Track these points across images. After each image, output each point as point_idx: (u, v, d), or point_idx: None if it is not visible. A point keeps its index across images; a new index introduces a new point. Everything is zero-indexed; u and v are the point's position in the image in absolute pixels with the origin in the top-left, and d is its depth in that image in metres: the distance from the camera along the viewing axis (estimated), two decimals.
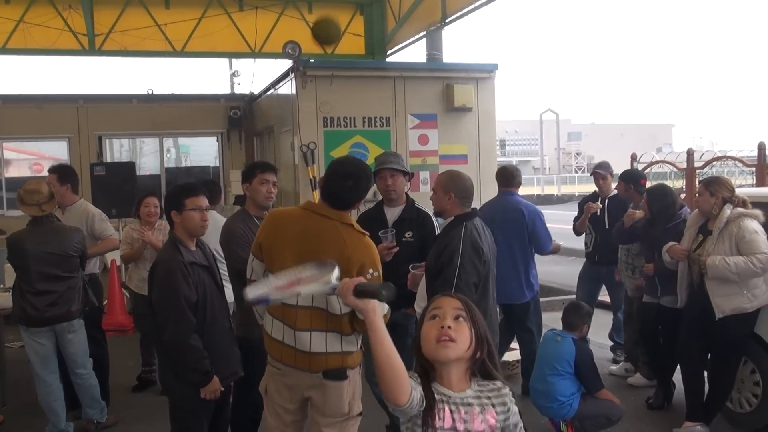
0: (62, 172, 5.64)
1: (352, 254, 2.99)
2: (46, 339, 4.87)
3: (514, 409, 2.11)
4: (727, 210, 4.51)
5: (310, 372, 3.06)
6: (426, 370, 2.06)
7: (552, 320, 8.68)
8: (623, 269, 6.04)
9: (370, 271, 3.00)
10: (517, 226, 5.48)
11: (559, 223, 20.71)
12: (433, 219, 4.57)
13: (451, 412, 2.00)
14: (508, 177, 5.68)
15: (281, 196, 9.37)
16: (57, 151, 11.99)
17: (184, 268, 3.47)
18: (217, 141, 11.54)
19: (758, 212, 4.48)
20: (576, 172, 55.73)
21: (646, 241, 5.39)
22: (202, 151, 18.05)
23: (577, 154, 63.53)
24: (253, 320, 4.06)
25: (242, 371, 3.81)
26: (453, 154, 8.84)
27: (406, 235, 4.45)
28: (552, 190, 38.38)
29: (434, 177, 8.66)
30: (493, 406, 2.07)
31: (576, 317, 4.87)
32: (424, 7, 11.79)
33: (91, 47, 12.16)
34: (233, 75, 23.47)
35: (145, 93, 11.26)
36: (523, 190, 6.02)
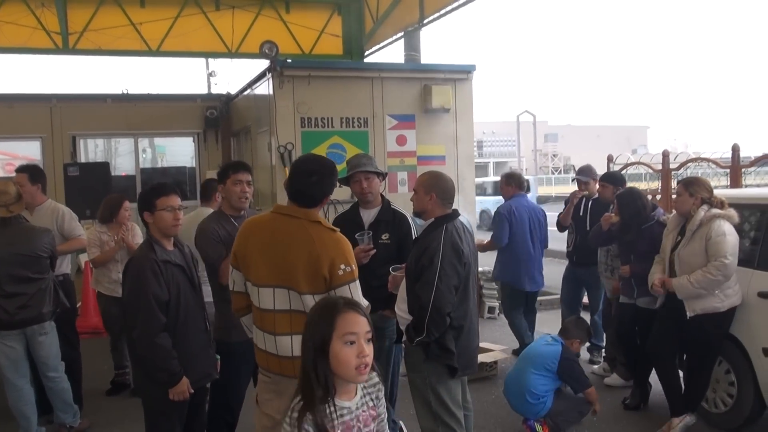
0: (33, 172, 5.53)
1: (321, 251, 2.94)
2: (16, 342, 4.77)
3: (381, 394, 2.33)
4: (701, 211, 4.54)
5: (296, 377, 3.01)
6: (321, 388, 2.13)
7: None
8: (602, 270, 6.07)
9: (342, 266, 2.94)
10: (541, 225, 6.77)
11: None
12: (410, 220, 4.55)
13: (350, 421, 2.17)
14: (522, 182, 6.93)
15: (258, 197, 9.30)
16: (30, 151, 11.80)
17: (156, 266, 3.42)
18: (194, 141, 11.42)
19: (733, 213, 4.51)
20: (552, 173, 56.13)
21: (622, 244, 5.42)
22: (178, 151, 17.89)
23: (554, 155, 63.97)
24: (231, 323, 4.03)
25: (217, 374, 3.76)
26: (431, 155, 8.83)
27: (383, 237, 4.42)
28: None
29: (413, 178, 8.71)
30: (373, 400, 2.28)
31: (574, 327, 5.05)
32: (402, 8, 11.79)
33: (65, 46, 11.98)
34: (210, 75, 23.31)
35: (120, 93, 11.09)
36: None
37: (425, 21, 11.12)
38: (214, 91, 16.84)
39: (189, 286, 3.61)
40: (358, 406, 2.21)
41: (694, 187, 4.63)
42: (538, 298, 9.59)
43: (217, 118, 11.13)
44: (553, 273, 11.84)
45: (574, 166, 64.01)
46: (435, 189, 3.82)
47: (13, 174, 5.83)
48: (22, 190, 5.11)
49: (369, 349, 2.13)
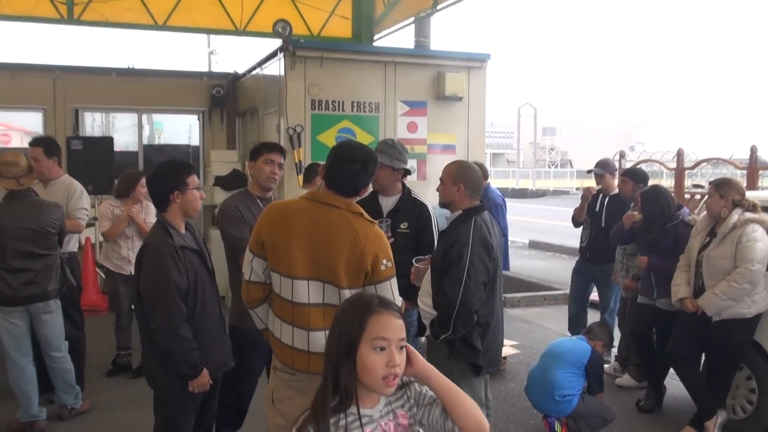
0: (48, 145, 5.34)
1: (366, 245, 2.81)
2: (20, 319, 4.64)
3: (415, 388, 2.06)
4: (735, 215, 4.43)
5: None
6: (339, 395, 1.92)
7: (532, 315, 8.68)
8: (618, 269, 5.95)
9: (384, 262, 2.83)
10: (499, 212, 6.82)
11: (536, 216, 20.86)
12: (431, 210, 4.42)
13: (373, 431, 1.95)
14: (485, 170, 6.49)
15: None
16: (28, 122, 11.59)
17: (175, 253, 3.26)
18: (198, 120, 11.22)
19: (766, 217, 4.39)
20: (549, 166, 56.10)
21: (643, 243, 5.29)
22: (177, 128, 17.66)
23: (551, 149, 63.96)
24: (245, 309, 3.90)
25: (233, 362, 3.62)
26: (441, 144, 8.71)
27: (402, 226, 4.29)
28: (527, 183, 38.46)
29: (422, 166, 8.60)
30: (402, 406, 2.03)
31: (598, 329, 5.06)
32: None
33: (70, 16, 11.73)
34: (211, 53, 23.10)
35: (126, 67, 10.86)
36: (497, 183, 6.32)
37: (439, 7, 10.96)
38: (214, 69, 16.58)
39: (205, 272, 3.46)
40: (382, 414, 1.99)
41: (725, 189, 4.51)
42: (543, 293, 9.58)
43: (224, 97, 10.93)
44: (560, 269, 11.82)
45: (570, 160, 64.14)
46: (463, 180, 3.69)
47: (11, 145, 5.66)
48: (37, 164, 4.98)
49: (401, 358, 1.91)
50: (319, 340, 2.85)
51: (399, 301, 2.97)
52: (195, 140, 11.84)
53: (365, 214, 2.95)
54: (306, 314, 2.86)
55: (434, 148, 8.65)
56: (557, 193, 32.12)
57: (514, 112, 41.71)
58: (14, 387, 4.71)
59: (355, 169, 2.92)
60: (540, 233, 17.00)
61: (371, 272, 2.82)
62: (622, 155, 8.89)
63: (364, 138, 8.32)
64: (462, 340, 3.53)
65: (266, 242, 2.94)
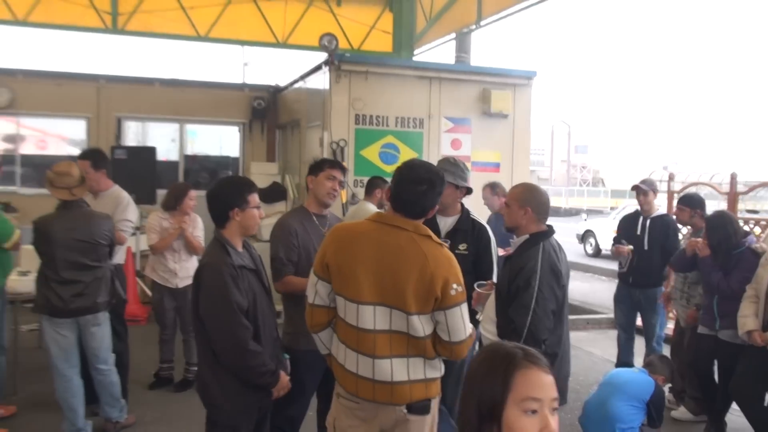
0: (96, 158, 5.29)
1: (435, 269, 2.70)
2: (68, 331, 4.59)
3: None
4: None
5: (393, 404, 2.77)
6: None
7: (575, 340, 8.45)
8: (677, 298, 5.75)
9: (454, 286, 2.73)
10: None
11: (570, 235, 20.54)
12: (490, 232, 4.30)
13: None
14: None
15: (304, 192, 9.10)
16: (73, 130, 11.70)
17: (234, 272, 3.18)
18: (239, 131, 11.24)
19: None
20: (581, 185, 55.53)
21: (707, 271, 5.10)
22: (211, 138, 17.73)
23: (583, 167, 63.35)
24: (301, 329, 3.80)
25: (290, 384, 3.52)
26: (486, 161, 8.59)
27: (460, 247, 4.16)
28: (559, 202, 38.08)
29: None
30: None
31: (659, 363, 4.90)
32: (458, 8, 11.55)
33: (114, 26, 11.89)
34: (245, 65, 23.21)
35: (169, 77, 10.93)
36: None
37: (482, 23, 10.88)
38: (248, 81, 16.67)
39: (262, 291, 3.37)
40: None
41: None
42: (586, 317, 9.37)
43: (264, 109, 10.94)
44: (600, 291, 11.59)
45: (603, 179, 63.53)
46: (530, 203, 3.56)
47: (47, 152, 5.66)
48: (85, 177, 4.94)
49: (555, 423, 1.58)
50: (384, 368, 2.75)
51: (469, 328, 2.86)
52: (232, 151, 11.88)
53: (434, 236, 2.85)
54: (371, 341, 2.77)
55: (478, 166, 8.53)
56: (591, 212, 31.69)
57: (545, 129, 41.50)
58: (60, 399, 4.66)
59: (422, 190, 2.83)
60: (576, 254, 16.75)
61: (441, 297, 2.72)
62: (671, 177, 8.67)
63: (407, 154, 8.24)
64: None
65: (331, 265, 2.85)
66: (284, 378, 3.29)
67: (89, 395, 4.90)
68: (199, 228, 5.82)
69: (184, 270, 5.75)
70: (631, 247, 6.02)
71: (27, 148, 11.35)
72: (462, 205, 4.32)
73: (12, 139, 10.82)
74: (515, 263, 3.47)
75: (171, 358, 6.00)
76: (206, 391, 3.29)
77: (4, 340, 5.01)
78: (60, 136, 17.00)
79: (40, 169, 10.44)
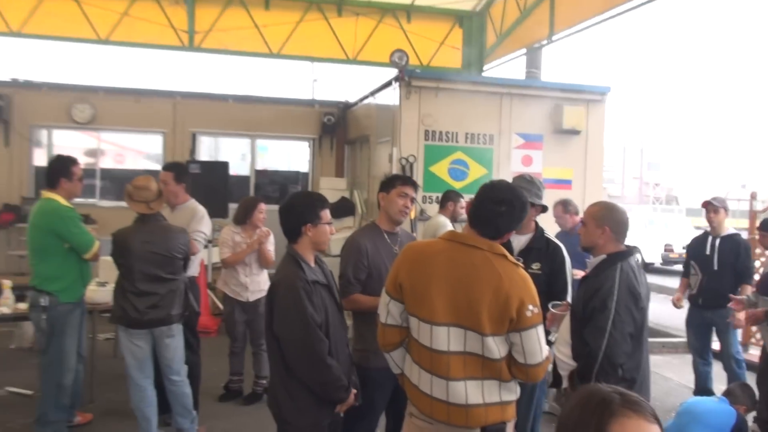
0: (178, 171, 5.46)
1: (510, 289, 2.64)
2: (143, 342, 4.70)
3: None
4: None
5: (468, 428, 2.71)
6: None
7: (651, 364, 8.15)
8: (765, 325, 5.48)
9: (530, 307, 2.67)
10: None
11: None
12: (564, 252, 4.19)
13: None
14: (575, 205, 6.52)
15: (372, 209, 9.12)
16: (149, 144, 12.09)
17: (308, 287, 3.18)
18: (309, 147, 11.38)
19: None
20: (654, 203, 53.96)
21: None
22: (280, 153, 18.01)
23: (656, 184, 61.55)
24: (372, 347, 3.78)
25: (360, 402, 3.49)
26: (557, 178, 8.43)
27: (533, 267, 4.07)
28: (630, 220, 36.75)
29: None
30: None
31: (740, 392, 4.70)
32: (529, 23, 11.43)
33: (191, 44, 12.24)
34: (314, 81, 23.54)
35: (242, 93, 11.18)
36: None
37: (554, 38, 10.73)
38: (316, 97, 16.92)
39: (334, 307, 3.37)
40: None
41: None
42: (661, 340, 9.03)
43: (334, 125, 11.04)
44: (676, 313, 11.17)
45: (676, 197, 61.53)
46: (608, 222, 3.45)
47: (123, 165, 5.81)
48: (165, 189, 5.10)
49: None
50: (459, 390, 2.70)
51: (546, 350, 2.78)
52: (302, 166, 12.03)
53: (509, 256, 2.79)
54: (445, 363, 2.72)
55: (549, 183, 8.36)
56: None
57: (615, 145, 40.56)
58: (135, 408, 4.76)
59: (501, 211, 2.78)
60: (649, 274, 16.23)
61: (516, 318, 2.65)
62: (753, 196, 8.31)
63: (476, 170, 8.18)
64: None
65: (404, 285, 2.82)
66: (352, 395, 3.28)
67: (162, 405, 5.00)
68: (270, 241, 5.89)
69: (255, 284, 5.82)
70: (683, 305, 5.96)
71: (106, 162, 11.79)
72: (536, 223, 4.24)
73: (93, 153, 11.25)
74: (591, 284, 3.36)
75: (241, 371, 6.06)
76: (278, 407, 3.29)
77: (82, 348, 5.15)
78: (137, 151, 17.56)
79: (118, 182, 10.82)
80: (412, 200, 4.04)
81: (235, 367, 6.07)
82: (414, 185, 4.07)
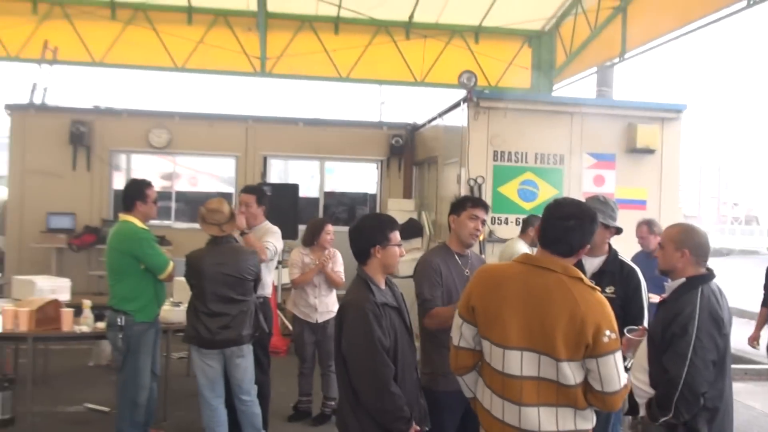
0: (260, 194, 5.62)
1: (586, 314, 2.57)
2: (215, 361, 4.78)
3: None
4: None
5: None
6: None
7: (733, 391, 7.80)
8: None
9: (607, 332, 2.58)
10: None
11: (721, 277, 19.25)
12: (640, 275, 4.06)
13: None
14: (658, 225, 6.37)
15: (441, 230, 9.08)
16: (221, 168, 12.40)
17: (377, 310, 3.16)
18: (377, 168, 11.45)
19: None
20: (732, 223, 51.99)
21: None
22: (347, 175, 18.15)
23: (735, 204, 59.30)
24: (439, 370, 3.74)
25: (428, 425, 3.44)
26: (631, 199, 8.19)
27: (607, 290, 3.95)
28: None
29: None
30: None
31: None
32: (600, 41, 11.26)
33: (263, 69, 12.56)
34: (382, 104, 23.74)
35: (311, 117, 11.36)
36: None
37: (626, 56, 10.53)
38: (384, 119, 17.06)
39: (404, 330, 3.34)
40: None
41: None
42: (744, 366, 8.62)
43: (402, 147, 11.08)
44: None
45: (757, 217, 59.10)
46: (688, 245, 3.32)
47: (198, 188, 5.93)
48: (247, 210, 5.24)
49: None
50: (531, 417, 2.63)
51: (624, 377, 2.68)
52: (369, 187, 12.10)
53: (585, 279, 2.72)
54: (518, 387, 2.66)
55: (623, 203, 8.12)
56: (745, 252, 29.48)
57: (692, 164, 39.35)
58: (206, 427, 4.85)
59: (570, 225, 2.72)
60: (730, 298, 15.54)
61: (592, 344, 2.58)
62: None
63: (546, 191, 8.03)
64: (685, 426, 3.13)
65: (477, 308, 2.79)
66: (414, 429, 3.18)
67: (233, 425, 5.05)
68: (339, 263, 5.93)
69: (323, 305, 5.87)
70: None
71: (181, 185, 12.14)
72: (610, 245, 4.13)
73: (168, 176, 11.61)
74: (670, 308, 3.23)
75: (309, 392, 6.09)
76: (346, 429, 3.28)
77: (156, 367, 5.27)
78: (210, 174, 18.02)
79: (192, 204, 11.12)
80: (483, 222, 4.00)
81: (304, 388, 6.10)
82: (485, 207, 4.04)
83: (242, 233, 5.25)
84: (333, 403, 5.93)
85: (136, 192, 5.03)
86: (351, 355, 3.13)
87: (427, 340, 3.93)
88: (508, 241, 6.90)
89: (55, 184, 10.53)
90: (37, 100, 11.05)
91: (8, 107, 10.62)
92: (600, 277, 3.97)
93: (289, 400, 6.25)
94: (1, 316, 5.61)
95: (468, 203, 4.03)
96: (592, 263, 4.06)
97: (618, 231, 4.05)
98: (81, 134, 10.36)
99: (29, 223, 10.36)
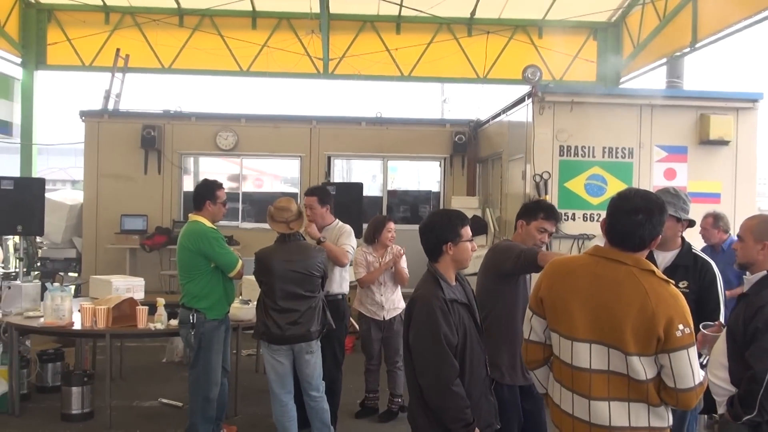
0: (322, 194, 5.64)
1: (657, 307, 2.49)
2: (284, 357, 4.85)
3: None
4: None
5: None
6: None
7: None
8: None
9: (680, 327, 2.49)
10: None
11: None
12: (715, 269, 3.92)
13: None
14: (726, 222, 6.33)
15: (505, 227, 8.98)
16: (285, 169, 12.56)
17: (445, 306, 3.14)
18: (440, 166, 11.41)
19: None
20: None
21: None
22: (409, 173, 18.13)
23: None
24: (498, 362, 3.74)
25: (498, 424, 3.40)
26: (704, 192, 7.92)
27: (680, 285, 3.81)
28: None
29: None
30: None
31: None
32: (669, 31, 10.96)
33: (326, 70, 12.70)
34: (444, 101, 23.69)
35: (374, 116, 11.38)
36: None
37: (697, 45, 10.20)
38: (446, 117, 16.98)
39: (473, 326, 3.31)
40: None
41: None
42: None
43: (465, 144, 11.01)
44: None
45: None
46: None
47: (263, 189, 6.02)
48: (312, 213, 5.30)
49: None
50: (602, 411, 2.57)
51: (700, 374, 2.58)
52: (431, 185, 12.07)
53: (658, 271, 2.63)
54: (587, 381, 2.60)
55: (695, 197, 7.86)
56: None
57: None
58: (276, 422, 4.92)
59: (639, 220, 2.62)
60: None
61: (664, 338, 2.49)
62: None
63: (615, 185, 7.83)
64: None
65: (546, 300, 2.75)
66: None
67: (301, 420, 5.12)
68: (402, 259, 5.94)
69: (390, 302, 5.89)
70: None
71: (247, 186, 12.37)
72: (683, 238, 4.00)
73: (235, 178, 11.84)
74: (752, 302, 3.10)
75: (376, 388, 6.12)
76: (416, 426, 3.27)
77: (227, 363, 5.39)
78: (274, 175, 18.28)
79: (257, 205, 11.31)
80: (550, 235, 4.00)
81: (371, 385, 6.13)
82: (557, 219, 4.03)
83: (318, 242, 5.32)
84: (399, 400, 5.94)
85: (207, 192, 5.15)
86: (416, 350, 3.13)
87: (488, 334, 3.89)
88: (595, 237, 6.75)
89: (128, 187, 10.87)
90: (110, 107, 11.44)
91: (83, 114, 11.01)
92: (673, 272, 3.84)
93: (356, 396, 6.29)
94: (80, 315, 5.83)
95: (540, 214, 4.03)
96: (665, 257, 3.95)
97: (690, 224, 3.93)
98: (152, 138, 10.67)
99: (104, 225, 10.74)
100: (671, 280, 2.65)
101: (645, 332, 2.49)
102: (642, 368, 2.52)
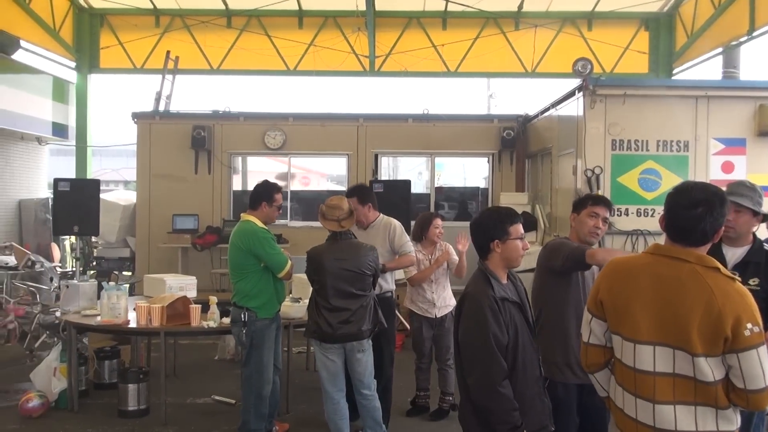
0: (360, 194, 5.59)
1: (724, 306, 2.39)
2: (336, 356, 4.85)
3: None
4: None
5: None
6: None
7: None
8: None
9: (749, 326, 2.39)
10: None
11: None
12: None
13: None
14: None
15: (557, 223, 8.84)
16: (333, 167, 12.60)
17: (495, 305, 3.08)
18: (488, 162, 11.29)
19: None
20: None
21: None
22: (456, 170, 17.99)
23: None
24: (551, 359, 3.67)
25: (553, 425, 3.33)
26: (764, 186, 7.63)
27: (751, 282, 3.69)
28: None
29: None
30: None
31: None
32: (725, 20, 10.64)
33: (372, 68, 12.70)
34: (490, 96, 23.49)
35: (421, 113, 11.32)
36: None
37: (755, 33, 9.87)
38: (492, 112, 16.78)
39: (524, 325, 3.24)
40: None
41: None
42: None
43: (513, 139, 10.87)
44: None
45: None
46: None
47: (308, 186, 6.03)
48: (354, 212, 5.27)
49: None
50: (667, 415, 2.48)
51: None
52: (478, 181, 11.95)
53: (723, 269, 2.53)
54: (651, 384, 2.51)
55: None
56: None
57: None
58: (329, 420, 4.92)
59: (699, 213, 2.52)
60: None
61: (732, 337, 2.39)
62: None
63: (670, 180, 7.63)
64: None
65: (606, 302, 2.67)
66: None
67: (353, 412, 5.10)
68: (452, 256, 5.88)
69: (441, 299, 5.85)
70: None
71: (295, 185, 12.44)
72: (754, 234, 3.85)
73: (284, 177, 11.92)
74: None
75: (427, 387, 6.08)
76: (466, 425, 3.22)
77: (279, 361, 5.41)
78: (321, 173, 18.37)
79: (305, 204, 11.37)
80: (605, 220, 3.88)
81: (422, 383, 6.10)
82: (607, 204, 3.92)
83: (383, 269, 5.29)
84: (450, 398, 5.90)
85: (265, 193, 5.18)
86: (464, 348, 3.10)
87: (541, 333, 3.82)
88: None
89: (179, 186, 11.04)
90: (161, 108, 11.64)
91: (135, 116, 11.22)
92: (743, 269, 3.71)
93: (406, 395, 6.27)
94: (135, 313, 5.93)
95: (588, 201, 3.98)
96: (735, 253, 3.80)
97: (765, 218, 3.78)
98: (202, 139, 10.81)
99: (156, 225, 10.93)
100: (737, 277, 2.54)
101: (712, 332, 2.40)
102: (710, 370, 2.43)
